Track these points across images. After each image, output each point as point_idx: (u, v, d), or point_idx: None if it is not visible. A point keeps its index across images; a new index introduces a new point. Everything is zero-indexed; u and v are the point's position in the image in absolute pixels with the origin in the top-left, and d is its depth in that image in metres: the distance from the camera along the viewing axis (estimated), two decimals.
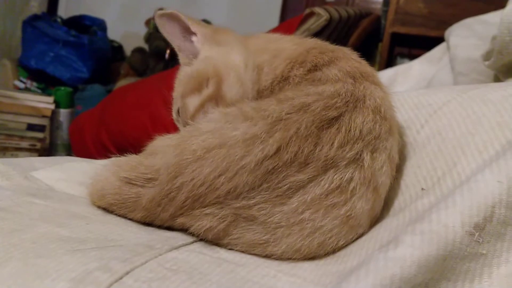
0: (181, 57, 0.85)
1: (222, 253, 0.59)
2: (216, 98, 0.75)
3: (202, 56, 0.81)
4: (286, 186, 0.58)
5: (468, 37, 1.44)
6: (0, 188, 0.72)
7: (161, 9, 3.18)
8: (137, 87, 2.33)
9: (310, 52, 0.76)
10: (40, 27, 3.13)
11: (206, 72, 0.77)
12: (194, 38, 0.83)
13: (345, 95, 0.65)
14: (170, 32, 0.84)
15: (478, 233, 0.48)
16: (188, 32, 0.83)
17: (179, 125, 0.84)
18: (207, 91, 0.76)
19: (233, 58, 0.78)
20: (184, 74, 0.83)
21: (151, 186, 0.62)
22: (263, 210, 0.58)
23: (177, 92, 0.83)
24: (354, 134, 0.62)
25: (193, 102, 0.77)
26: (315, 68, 0.72)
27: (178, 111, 0.82)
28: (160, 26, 0.83)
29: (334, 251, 0.62)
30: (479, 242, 0.49)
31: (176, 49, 0.85)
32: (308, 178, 0.59)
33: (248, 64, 0.78)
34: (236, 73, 0.76)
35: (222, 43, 0.81)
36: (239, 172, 0.58)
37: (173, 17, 0.82)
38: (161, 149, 0.66)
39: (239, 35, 0.86)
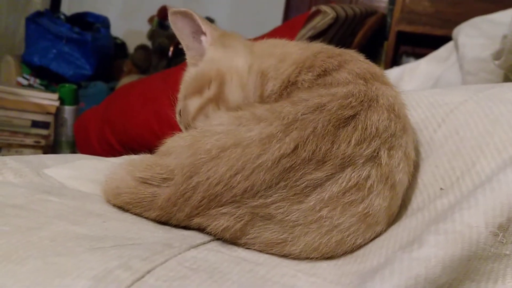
0: (189, 57, 0.86)
1: (240, 251, 0.59)
2: (217, 101, 0.76)
3: (208, 57, 0.82)
4: (303, 184, 0.58)
5: (477, 36, 1.43)
6: (14, 185, 0.71)
7: (164, 6, 3.16)
8: (141, 85, 2.33)
9: (317, 57, 0.75)
10: (43, 24, 3.12)
11: (209, 74, 0.78)
12: (203, 38, 0.83)
13: (359, 95, 0.65)
14: (180, 30, 0.84)
15: (502, 233, 0.48)
16: (198, 32, 0.83)
17: (181, 127, 0.84)
18: (209, 93, 0.76)
19: (236, 61, 0.79)
20: (189, 75, 0.84)
21: (167, 186, 0.62)
22: (280, 208, 0.58)
23: (180, 94, 0.84)
24: (371, 131, 0.62)
25: (194, 103, 0.78)
26: (324, 73, 0.72)
27: (180, 112, 0.82)
28: (171, 23, 0.83)
29: (352, 250, 0.61)
30: (502, 242, 0.48)
31: (184, 48, 0.85)
32: (325, 176, 0.59)
33: (252, 69, 0.78)
34: (239, 76, 0.77)
35: (228, 46, 0.82)
36: (256, 170, 0.58)
37: (186, 16, 0.82)
38: (174, 149, 0.66)
39: (246, 40, 0.87)
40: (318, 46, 0.82)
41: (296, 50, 0.80)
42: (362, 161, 0.60)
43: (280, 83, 0.75)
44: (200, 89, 0.77)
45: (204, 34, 0.83)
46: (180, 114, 0.83)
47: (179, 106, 0.83)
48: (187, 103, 0.78)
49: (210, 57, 0.81)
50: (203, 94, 0.77)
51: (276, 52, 0.81)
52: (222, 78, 0.76)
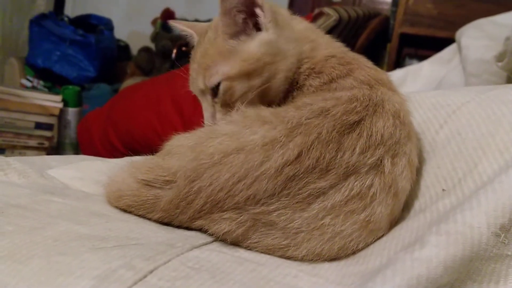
0: (224, 22, 0.74)
1: (242, 252, 0.59)
2: (264, 88, 0.73)
3: (264, 39, 0.73)
4: (306, 192, 0.58)
5: (480, 38, 1.43)
6: (18, 186, 0.72)
7: (167, 8, 3.14)
8: (144, 87, 2.33)
9: (328, 61, 0.75)
10: (47, 26, 3.13)
11: (264, 61, 0.73)
12: (259, 12, 0.73)
13: (363, 99, 0.65)
14: None
15: (503, 234, 0.48)
16: (249, 2, 0.73)
17: (202, 97, 0.78)
18: (259, 80, 0.73)
19: (288, 49, 0.75)
20: (230, 47, 0.74)
21: (169, 188, 0.62)
22: (283, 216, 0.58)
23: (214, 63, 0.75)
24: (376, 139, 0.62)
25: (242, 87, 0.73)
26: (331, 80, 0.72)
27: (215, 87, 0.75)
28: None
29: (354, 253, 0.61)
30: (504, 243, 0.48)
31: (222, 12, 0.74)
32: (329, 185, 0.59)
33: (294, 58, 0.75)
34: (288, 67, 0.74)
35: (280, 26, 0.75)
36: (259, 178, 0.58)
37: None
38: (178, 149, 0.66)
39: (287, 13, 0.82)
40: (336, 47, 0.80)
41: (323, 43, 0.79)
42: (365, 169, 0.60)
43: (290, 83, 0.75)
44: (252, 73, 0.73)
45: (259, 7, 0.73)
46: (212, 88, 0.76)
47: (213, 78, 0.74)
48: (234, 85, 0.73)
49: (266, 40, 0.73)
50: (252, 79, 0.73)
51: (310, 36, 0.79)
52: (275, 69, 0.73)
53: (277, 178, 0.58)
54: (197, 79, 0.77)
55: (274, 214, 0.58)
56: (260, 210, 0.58)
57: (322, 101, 0.64)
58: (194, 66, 0.79)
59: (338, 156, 0.59)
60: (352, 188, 0.59)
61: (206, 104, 0.78)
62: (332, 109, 0.62)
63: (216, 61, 0.75)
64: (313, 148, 0.59)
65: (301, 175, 0.58)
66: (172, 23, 0.90)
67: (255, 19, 0.74)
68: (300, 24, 0.82)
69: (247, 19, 0.74)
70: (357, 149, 0.60)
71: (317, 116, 0.62)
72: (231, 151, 0.60)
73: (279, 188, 0.58)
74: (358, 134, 0.61)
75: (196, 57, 0.78)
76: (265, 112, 0.65)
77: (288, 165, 0.58)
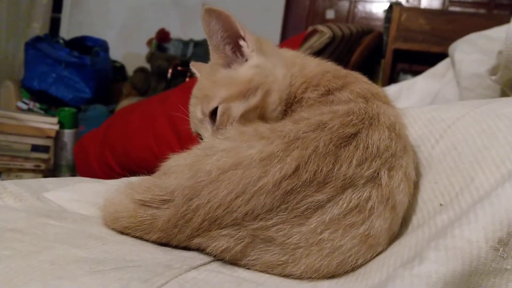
0: (215, 57, 0.81)
1: (241, 272, 0.58)
2: (260, 108, 0.75)
3: (253, 63, 0.78)
4: (304, 206, 0.58)
5: (473, 52, 1.45)
6: (14, 209, 0.71)
7: (162, 29, 3.17)
8: (140, 107, 2.33)
9: (324, 76, 0.76)
10: (42, 48, 3.16)
11: (257, 81, 0.76)
12: (242, 43, 0.79)
13: (359, 112, 0.65)
14: (213, 30, 0.78)
15: (502, 248, 0.48)
16: (232, 35, 0.79)
17: (202, 128, 0.80)
18: (254, 99, 0.75)
19: (277, 72, 0.78)
20: (223, 75, 0.79)
21: (167, 208, 0.62)
22: (281, 231, 0.58)
23: (211, 92, 0.78)
24: (372, 151, 0.62)
25: (238, 107, 0.75)
26: (328, 92, 0.73)
27: (211, 112, 0.78)
28: (204, 21, 0.77)
29: (353, 269, 0.61)
30: (503, 257, 0.48)
31: (211, 48, 0.81)
32: (326, 198, 0.58)
33: (285, 78, 0.78)
34: (280, 87, 0.76)
35: (266, 53, 0.80)
36: (257, 193, 0.58)
37: (222, 16, 0.77)
38: (175, 168, 0.66)
39: (274, 45, 0.86)
40: (328, 65, 0.83)
41: (313, 64, 0.82)
42: (362, 182, 0.60)
43: (287, 97, 0.76)
44: (245, 94, 0.75)
45: (243, 38, 0.79)
46: (210, 116, 0.78)
47: (208, 104, 0.77)
48: (231, 106, 0.75)
49: (255, 64, 0.78)
50: (248, 99, 0.75)
51: (298, 62, 0.82)
52: (268, 88, 0.75)
53: (275, 192, 0.57)
54: (196, 111, 0.79)
55: (273, 230, 0.58)
56: (259, 226, 0.58)
57: (319, 115, 0.65)
58: (192, 101, 0.82)
59: (335, 169, 0.59)
60: (350, 200, 0.59)
61: (207, 134, 0.79)
62: (329, 122, 0.62)
63: (212, 90, 0.78)
64: (310, 162, 0.59)
65: (299, 189, 0.58)
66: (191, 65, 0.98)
67: (242, 50, 0.79)
68: (287, 52, 0.86)
69: (235, 50, 0.79)
70: (354, 162, 0.60)
71: (314, 129, 0.62)
72: (229, 167, 0.60)
73: (277, 203, 0.57)
74: (355, 146, 0.61)
75: (194, 92, 0.82)
76: (263, 127, 0.65)
77: (286, 179, 0.58)
